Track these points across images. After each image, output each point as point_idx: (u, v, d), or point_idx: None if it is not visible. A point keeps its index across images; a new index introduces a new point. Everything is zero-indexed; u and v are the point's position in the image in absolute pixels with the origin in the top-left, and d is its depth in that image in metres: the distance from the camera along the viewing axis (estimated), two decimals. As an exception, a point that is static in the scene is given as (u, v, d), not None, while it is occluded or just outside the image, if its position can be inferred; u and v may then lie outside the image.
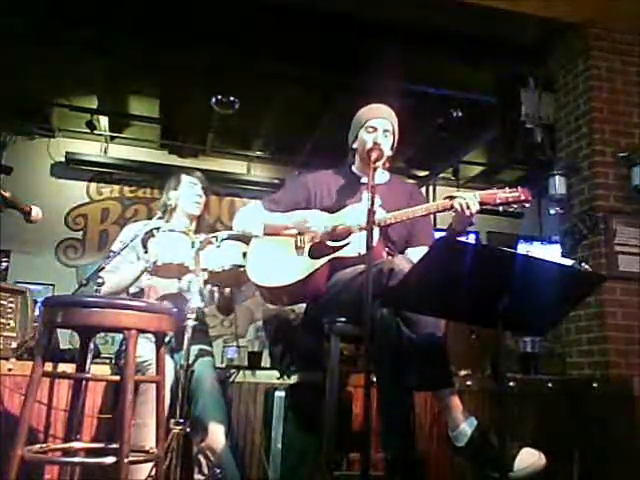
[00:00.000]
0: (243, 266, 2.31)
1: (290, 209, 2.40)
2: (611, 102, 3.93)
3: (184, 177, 2.78)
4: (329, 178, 2.49)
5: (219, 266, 2.30)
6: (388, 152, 2.36)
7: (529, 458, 1.80)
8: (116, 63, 4.98)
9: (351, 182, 2.45)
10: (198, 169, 2.96)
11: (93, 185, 6.70)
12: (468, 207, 2.10)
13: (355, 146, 2.46)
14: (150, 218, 2.69)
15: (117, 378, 1.90)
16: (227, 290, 2.65)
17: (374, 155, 2.18)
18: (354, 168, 2.52)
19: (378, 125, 2.36)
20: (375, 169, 2.12)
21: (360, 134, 2.40)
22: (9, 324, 2.51)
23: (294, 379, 2.71)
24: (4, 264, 5.59)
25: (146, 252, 2.34)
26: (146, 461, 1.92)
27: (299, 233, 2.32)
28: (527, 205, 2.14)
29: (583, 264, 3.49)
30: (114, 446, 1.80)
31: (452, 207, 2.14)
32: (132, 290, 2.61)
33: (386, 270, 1.97)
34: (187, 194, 2.72)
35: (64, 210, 6.50)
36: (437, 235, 2.49)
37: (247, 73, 4.96)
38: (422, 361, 1.92)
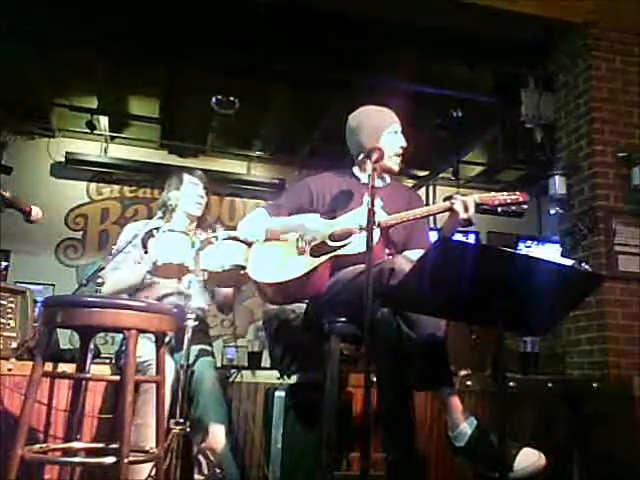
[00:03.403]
0: (243, 266, 2.31)
1: (293, 213, 2.40)
2: (611, 102, 3.93)
3: (186, 177, 2.75)
4: (331, 180, 2.48)
5: (219, 266, 2.29)
6: None
7: (529, 458, 1.80)
8: (116, 63, 4.99)
9: (353, 184, 2.45)
10: (199, 169, 2.94)
11: (93, 185, 6.70)
12: (466, 208, 2.11)
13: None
14: (150, 218, 2.68)
15: (117, 378, 1.90)
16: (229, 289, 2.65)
17: (375, 156, 2.18)
18: (356, 171, 2.51)
19: (399, 129, 2.43)
20: (376, 169, 2.12)
21: (384, 138, 2.38)
22: (9, 324, 2.51)
23: (294, 379, 2.71)
24: (4, 264, 5.58)
25: (146, 252, 2.34)
26: (146, 461, 1.92)
27: (300, 237, 2.32)
28: (525, 207, 2.19)
29: (583, 264, 3.49)
30: (114, 446, 1.81)
31: (451, 208, 2.15)
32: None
33: (387, 270, 1.97)
34: (189, 194, 2.70)
35: (64, 210, 6.51)
36: (434, 235, 2.49)
37: (247, 73, 4.96)
38: (422, 361, 1.92)
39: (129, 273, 2.53)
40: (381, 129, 2.40)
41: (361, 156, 2.44)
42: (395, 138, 2.40)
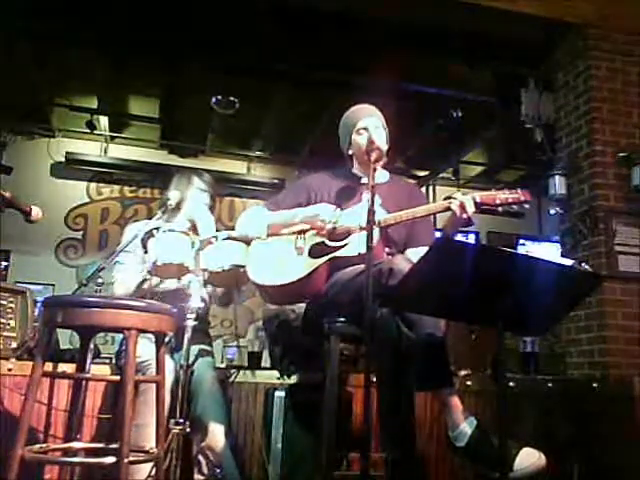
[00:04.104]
0: (243, 266, 2.31)
1: None
2: (611, 102, 3.93)
3: (195, 181, 2.70)
4: (330, 179, 2.49)
5: (219, 266, 2.29)
6: (384, 146, 2.38)
7: (529, 458, 1.80)
8: (116, 63, 4.98)
9: (351, 183, 2.46)
10: (201, 169, 2.92)
11: (93, 185, 6.70)
12: (464, 208, 2.10)
13: (351, 152, 2.48)
14: (150, 218, 2.67)
15: (117, 378, 1.90)
16: None
17: (374, 156, 2.18)
18: (354, 169, 2.53)
19: (367, 124, 2.39)
20: (375, 169, 2.12)
21: (353, 139, 2.43)
22: (9, 324, 2.51)
23: (294, 379, 2.71)
24: (4, 264, 5.58)
25: (146, 252, 2.34)
26: (146, 461, 1.92)
27: (301, 232, 2.32)
28: (527, 206, 2.16)
29: (583, 264, 3.48)
30: (114, 446, 1.80)
31: (449, 208, 2.14)
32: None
33: (385, 270, 1.97)
34: (194, 200, 2.65)
35: (64, 210, 6.50)
36: (437, 235, 2.49)
37: (247, 73, 4.96)
38: (422, 361, 1.92)
39: (132, 276, 2.51)
40: (349, 131, 2.44)
41: (347, 159, 2.51)
42: (362, 136, 2.38)
